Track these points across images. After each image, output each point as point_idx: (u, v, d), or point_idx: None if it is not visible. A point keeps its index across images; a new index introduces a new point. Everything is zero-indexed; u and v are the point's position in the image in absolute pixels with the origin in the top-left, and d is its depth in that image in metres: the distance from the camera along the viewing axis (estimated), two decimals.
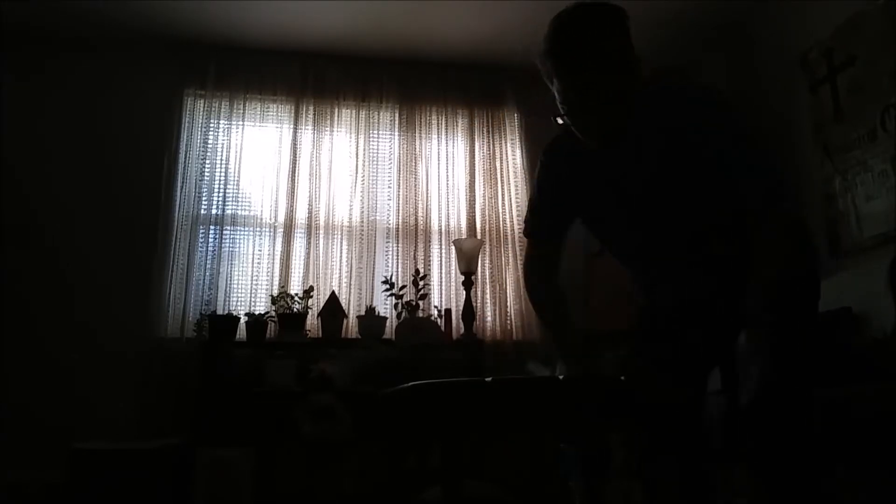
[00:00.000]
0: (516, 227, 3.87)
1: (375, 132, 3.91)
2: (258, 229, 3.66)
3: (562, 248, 1.61)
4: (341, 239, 3.72)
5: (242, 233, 3.66)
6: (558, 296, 1.58)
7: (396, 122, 3.94)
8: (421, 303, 3.52)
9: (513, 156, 4.01)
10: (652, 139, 1.37)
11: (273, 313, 3.38)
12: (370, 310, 3.45)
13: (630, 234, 1.54)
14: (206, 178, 3.65)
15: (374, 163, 3.87)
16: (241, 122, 3.77)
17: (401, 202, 3.82)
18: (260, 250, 3.62)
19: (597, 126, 1.36)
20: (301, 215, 3.68)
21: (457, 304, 3.62)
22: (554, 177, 1.56)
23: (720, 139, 1.33)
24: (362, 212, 3.75)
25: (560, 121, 1.37)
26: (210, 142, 3.72)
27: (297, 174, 3.73)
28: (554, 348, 1.51)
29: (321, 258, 3.65)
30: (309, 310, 3.43)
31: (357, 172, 3.81)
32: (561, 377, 1.41)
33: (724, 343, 1.41)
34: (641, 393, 1.37)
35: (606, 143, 1.38)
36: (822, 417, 1.36)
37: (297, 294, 3.45)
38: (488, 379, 1.35)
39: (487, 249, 3.80)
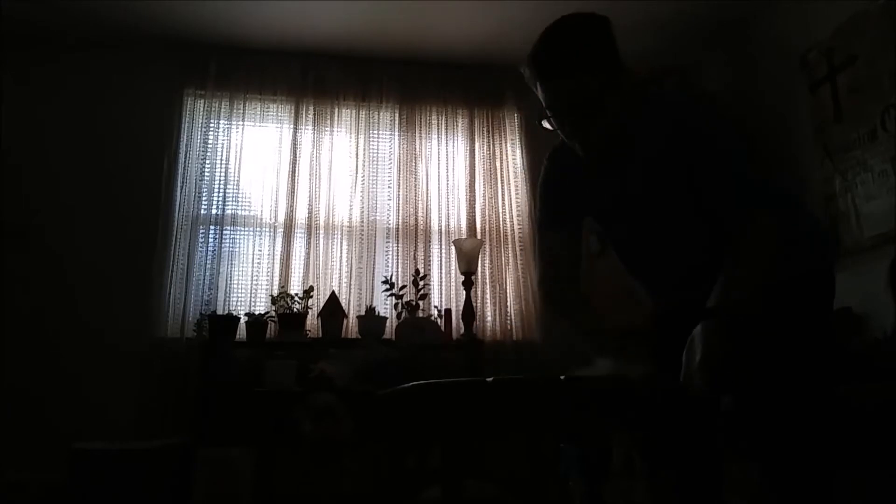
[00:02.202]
0: (516, 227, 3.88)
1: (375, 132, 3.91)
2: (258, 229, 3.66)
3: (578, 249, 1.60)
4: (341, 239, 3.72)
5: (242, 233, 3.66)
6: (580, 297, 1.59)
7: (396, 122, 3.94)
8: (421, 303, 3.52)
9: (513, 156, 4.01)
10: (648, 146, 1.39)
11: (273, 313, 3.38)
12: (370, 310, 3.45)
13: (630, 240, 1.55)
14: (206, 178, 3.65)
15: (374, 163, 3.87)
16: (241, 122, 3.77)
17: (401, 202, 3.82)
18: (260, 250, 3.62)
19: (574, 131, 1.38)
20: (301, 215, 3.68)
21: (457, 304, 3.62)
22: (558, 180, 1.57)
23: (712, 148, 1.35)
24: (362, 212, 3.75)
25: (546, 125, 1.41)
26: (210, 142, 3.72)
27: (297, 174, 3.73)
28: (589, 348, 1.51)
29: (321, 258, 3.65)
30: (309, 310, 3.43)
31: (357, 172, 3.81)
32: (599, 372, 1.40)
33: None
34: (649, 392, 1.36)
35: (587, 150, 1.40)
36: (823, 417, 1.36)
37: (297, 294, 3.45)
38: (488, 379, 1.34)
39: (487, 249, 3.80)
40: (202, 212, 3.61)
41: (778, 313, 1.35)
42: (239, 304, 3.52)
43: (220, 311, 3.39)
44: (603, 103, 1.33)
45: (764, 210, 1.30)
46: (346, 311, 3.47)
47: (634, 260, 1.60)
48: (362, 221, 3.74)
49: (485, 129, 4.01)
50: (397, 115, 3.95)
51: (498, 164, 3.97)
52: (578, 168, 1.49)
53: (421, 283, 3.55)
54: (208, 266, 3.52)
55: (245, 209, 3.70)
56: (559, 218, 1.57)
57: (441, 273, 3.77)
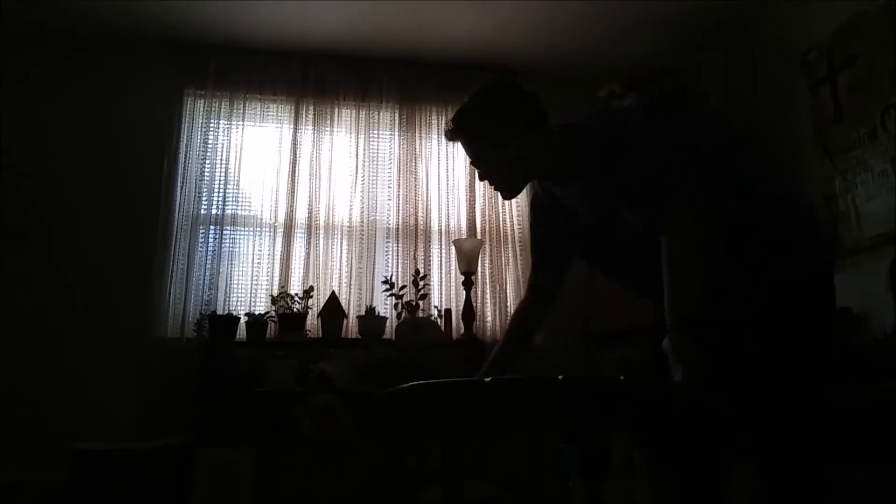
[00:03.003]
0: (516, 227, 3.88)
1: (375, 132, 3.91)
2: (258, 229, 3.66)
3: (559, 281, 1.73)
4: (341, 239, 3.72)
5: (242, 233, 3.66)
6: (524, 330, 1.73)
7: (396, 122, 3.94)
8: (421, 303, 3.52)
9: None
10: (585, 177, 1.49)
11: (273, 313, 3.38)
12: (370, 310, 3.45)
13: (602, 261, 1.63)
14: (206, 178, 3.65)
15: (374, 163, 3.87)
16: (241, 122, 3.77)
17: (401, 202, 3.81)
18: (260, 250, 3.62)
19: (482, 178, 1.59)
20: (301, 215, 3.68)
21: (457, 304, 3.62)
22: (538, 214, 1.72)
23: (626, 163, 1.41)
24: (362, 212, 3.75)
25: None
26: (210, 142, 3.72)
27: (297, 174, 3.73)
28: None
29: (321, 258, 3.64)
30: (309, 310, 3.43)
31: (357, 172, 3.81)
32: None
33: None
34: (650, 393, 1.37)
35: (505, 196, 1.63)
36: (822, 418, 1.36)
37: (297, 294, 3.45)
38: (488, 379, 1.34)
39: (487, 249, 3.80)
40: (202, 212, 3.61)
41: (769, 315, 1.37)
42: (239, 304, 3.52)
43: (220, 311, 3.39)
44: (492, 161, 1.52)
45: (683, 210, 1.33)
46: (346, 311, 3.47)
47: (616, 276, 1.65)
48: (362, 221, 3.74)
49: None
50: (397, 115, 3.95)
51: None
52: (551, 199, 1.64)
53: (421, 283, 3.55)
54: (208, 266, 3.52)
55: (245, 209, 3.70)
56: (544, 259, 1.72)
57: (441, 273, 3.77)
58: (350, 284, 3.62)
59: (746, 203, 1.42)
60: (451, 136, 1.57)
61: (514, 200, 3.88)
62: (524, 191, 1.64)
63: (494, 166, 1.54)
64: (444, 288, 3.74)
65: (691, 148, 1.46)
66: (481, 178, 1.58)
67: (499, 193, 1.63)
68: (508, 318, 3.73)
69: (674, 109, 3.21)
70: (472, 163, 1.60)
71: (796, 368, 1.35)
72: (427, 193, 3.86)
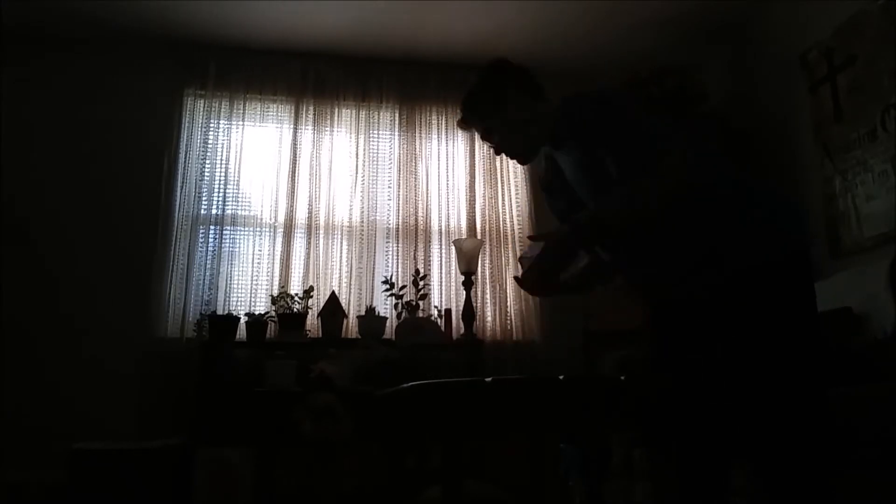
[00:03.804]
0: (516, 227, 3.88)
1: (375, 132, 3.91)
2: (258, 229, 3.66)
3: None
4: (341, 239, 3.72)
5: (242, 233, 3.66)
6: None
7: (396, 122, 3.94)
8: (421, 303, 3.52)
9: None
10: (569, 145, 1.62)
11: (273, 313, 3.38)
12: (370, 310, 3.45)
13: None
14: (206, 178, 3.65)
15: (374, 163, 3.87)
16: (241, 122, 3.77)
17: (401, 202, 3.82)
18: (260, 250, 3.62)
19: (498, 152, 1.76)
20: (301, 215, 3.68)
21: (457, 304, 3.62)
22: (549, 188, 1.83)
23: (600, 131, 1.51)
24: (362, 212, 3.75)
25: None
26: (210, 142, 3.72)
27: (297, 174, 3.73)
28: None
29: (321, 258, 3.65)
30: (309, 310, 3.43)
31: (357, 172, 3.81)
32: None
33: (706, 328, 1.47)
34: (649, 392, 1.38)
35: (520, 163, 1.81)
36: (819, 417, 1.36)
37: (297, 294, 3.45)
38: (488, 379, 1.35)
39: (487, 249, 3.80)
40: (202, 212, 3.61)
41: (728, 302, 1.41)
42: (239, 304, 3.52)
43: (220, 311, 3.39)
44: (506, 135, 1.70)
45: (674, 156, 1.41)
46: (346, 311, 3.47)
47: (613, 256, 1.66)
48: (362, 221, 3.74)
49: None
50: (397, 115, 3.95)
51: (498, 164, 3.97)
52: (552, 178, 1.77)
53: (421, 283, 3.55)
54: (208, 266, 3.52)
55: (245, 209, 3.70)
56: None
57: (441, 273, 3.77)
58: (350, 284, 3.63)
59: (720, 184, 1.47)
60: (463, 122, 1.76)
61: (513, 200, 3.91)
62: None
63: (502, 135, 1.70)
64: (444, 288, 3.74)
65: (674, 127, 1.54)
66: (496, 152, 1.75)
67: (512, 190, 1.69)
68: (508, 318, 3.73)
69: (674, 109, 3.22)
70: (483, 139, 1.76)
71: (757, 361, 1.36)
72: (427, 193, 3.86)
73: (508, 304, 3.76)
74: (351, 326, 3.50)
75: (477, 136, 1.83)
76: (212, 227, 3.60)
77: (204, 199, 3.62)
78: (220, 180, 3.66)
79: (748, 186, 1.50)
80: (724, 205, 1.44)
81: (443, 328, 3.54)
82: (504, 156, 1.75)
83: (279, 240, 3.63)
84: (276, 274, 3.56)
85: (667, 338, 1.56)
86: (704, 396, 1.45)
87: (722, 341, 1.43)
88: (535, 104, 1.69)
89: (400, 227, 3.78)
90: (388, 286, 3.53)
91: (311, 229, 3.66)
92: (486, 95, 1.71)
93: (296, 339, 3.32)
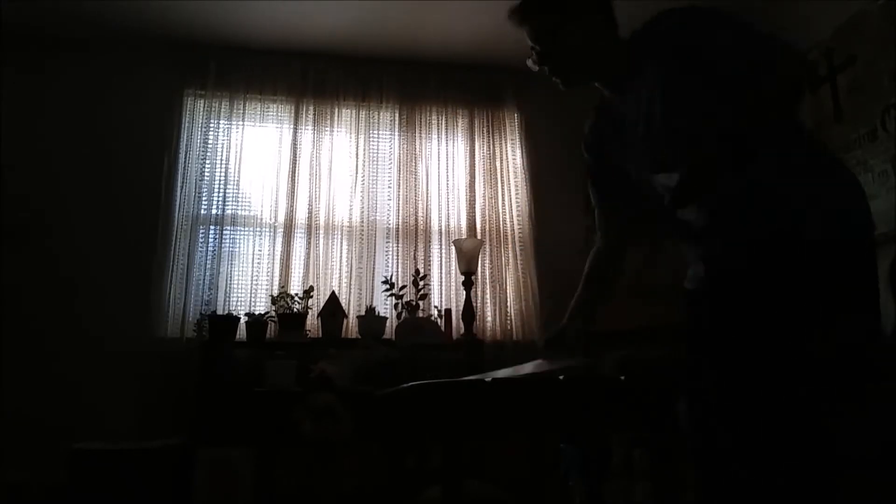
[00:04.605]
0: (516, 227, 3.88)
1: (375, 132, 3.91)
2: (258, 229, 3.66)
3: (625, 227, 1.69)
4: (341, 239, 3.72)
5: (242, 233, 3.66)
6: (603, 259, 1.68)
7: (396, 122, 3.94)
8: (421, 303, 3.52)
9: (513, 156, 4.01)
10: (652, 71, 1.43)
11: (273, 313, 3.38)
12: (370, 310, 3.45)
13: (650, 173, 1.52)
14: (206, 178, 3.65)
15: (374, 163, 3.87)
16: (241, 122, 3.77)
17: (401, 202, 3.81)
18: (260, 250, 3.62)
19: (547, 66, 1.53)
20: (301, 215, 3.68)
21: (457, 304, 3.61)
22: (593, 150, 1.66)
23: (712, 41, 1.37)
24: (362, 212, 3.75)
25: (529, 63, 1.56)
26: (210, 142, 3.72)
27: (297, 174, 3.73)
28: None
29: (321, 258, 3.64)
30: (309, 310, 3.43)
31: (357, 172, 3.81)
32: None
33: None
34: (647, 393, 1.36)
35: (566, 84, 1.55)
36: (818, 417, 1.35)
37: (297, 294, 3.44)
38: (488, 379, 1.35)
39: (487, 249, 3.79)
40: (202, 212, 3.61)
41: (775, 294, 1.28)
42: (239, 304, 3.52)
43: (220, 311, 3.38)
44: (563, 40, 1.48)
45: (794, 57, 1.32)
46: (346, 311, 3.47)
47: (668, 197, 1.47)
48: (362, 221, 3.74)
49: (485, 129, 4.01)
50: (397, 115, 3.95)
51: (498, 164, 3.97)
52: (603, 120, 1.60)
53: (421, 283, 3.55)
54: (208, 266, 3.52)
55: (245, 209, 3.70)
56: (606, 199, 1.67)
57: (441, 273, 3.76)
58: (350, 284, 3.62)
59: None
60: (520, 12, 1.52)
61: (513, 200, 3.90)
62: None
63: (565, 43, 1.49)
64: (444, 288, 3.74)
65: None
66: (542, 62, 1.52)
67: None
68: (508, 318, 3.73)
69: None
70: (538, 43, 1.52)
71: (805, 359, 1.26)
72: (427, 193, 3.86)
73: (508, 304, 3.76)
74: (351, 326, 3.50)
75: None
76: (212, 226, 3.60)
77: (204, 198, 3.62)
78: (220, 180, 3.66)
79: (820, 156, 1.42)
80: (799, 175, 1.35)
81: (443, 328, 3.54)
82: (545, 70, 1.52)
83: (279, 240, 3.63)
84: (276, 274, 3.56)
85: (706, 331, 1.42)
86: (744, 396, 1.32)
87: (770, 336, 1.29)
88: (605, 23, 1.51)
89: (400, 227, 3.78)
90: (388, 286, 3.53)
91: (311, 229, 3.66)
92: (553, 2, 1.49)
93: (296, 339, 3.32)
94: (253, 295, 3.55)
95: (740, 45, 1.35)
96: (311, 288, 3.50)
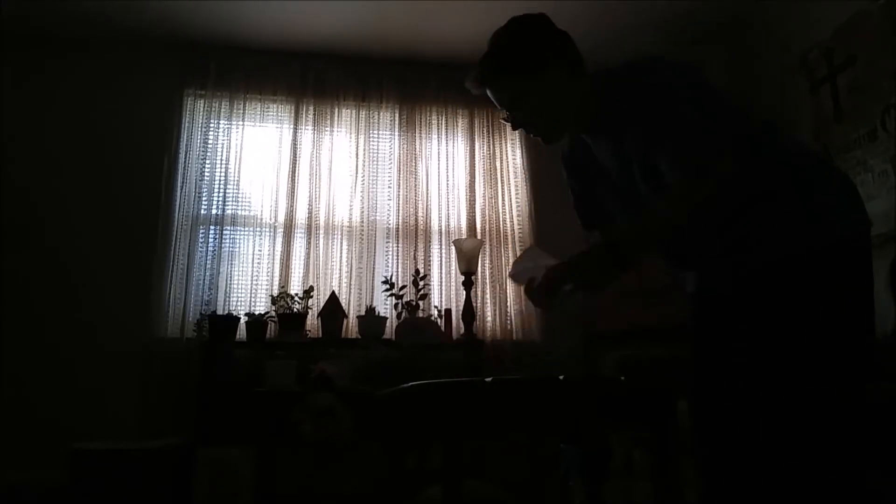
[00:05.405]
0: (516, 227, 3.88)
1: (375, 132, 3.91)
2: (258, 229, 3.66)
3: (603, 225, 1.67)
4: (341, 239, 3.72)
5: (242, 233, 3.66)
6: None
7: (396, 122, 3.94)
8: (421, 303, 3.52)
9: (513, 156, 4.01)
10: (614, 121, 1.42)
11: (273, 313, 3.38)
12: (370, 310, 3.45)
13: (622, 214, 1.54)
14: (206, 178, 3.66)
15: (374, 163, 3.87)
16: (241, 122, 3.77)
17: (401, 202, 3.82)
18: (260, 250, 3.62)
19: (521, 126, 1.49)
20: (301, 215, 3.68)
21: (457, 304, 3.62)
22: (570, 170, 1.67)
23: (649, 105, 1.34)
24: (362, 212, 3.75)
25: (503, 121, 1.53)
26: (210, 142, 3.72)
27: (297, 174, 3.73)
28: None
29: (321, 258, 3.65)
30: (309, 310, 3.43)
31: (357, 172, 3.81)
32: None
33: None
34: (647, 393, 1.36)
35: (546, 141, 1.51)
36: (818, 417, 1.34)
37: (297, 294, 3.45)
38: (488, 379, 1.35)
39: (487, 249, 3.80)
40: (202, 212, 3.61)
41: (761, 293, 1.29)
42: (239, 304, 3.52)
43: (220, 311, 3.39)
44: (530, 103, 1.43)
45: (717, 161, 1.26)
46: (346, 311, 3.48)
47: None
48: (362, 221, 3.74)
49: (485, 129, 4.01)
50: (397, 115, 3.95)
51: (498, 164, 3.98)
52: (577, 154, 1.58)
53: (421, 283, 3.55)
54: (208, 266, 3.52)
55: (245, 209, 3.70)
56: (589, 217, 1.67)
57: (441, 273, 3.77)
58: (350, 284, 3.63)
59: (764, 162, 1.35)
60: (483, 81, 1.46)
61: (513, 200, 3.91)
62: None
63: (532, 106, 1.43)
64: (444, 288, 3.74)
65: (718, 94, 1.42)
66: (515, 126, 1.48)
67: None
68: (508, 318, 3.73)
69: None
70: (506, 108, 1.47)
71: (785, 360, 1.26)
72: (427, 193, 3.86)
73: (508, 304, 3.76)
74: (351, 326, 3.50)
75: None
76: (212, 227, 3.60)
77: (204, 199, 3.62)
78: (220, 180, 3.66)
79: (799, 161, 1.38)
80: (776, 185, 1.32)
81: (443, 328, 3.54)
82: (520, 130, 1.49)
83: (279, 240, 3.63)
84: (276, 274, 3.56)
85: (709, 336, 1.42)
86: (744, 399, 1.32)
87: (762, 340, 1.28)
88: (571, 74, 1.44)
89: (400, 227, 3.78)
90: (388, 286, 3.53)
91: (311, 229, 3.66)
92: (525, 52, 1.42)
93: (296, 339, 3.32)
94: (253, 295, 3.56)
95: (677, 127, 1.30)
96: (311, 288, 3.50)
